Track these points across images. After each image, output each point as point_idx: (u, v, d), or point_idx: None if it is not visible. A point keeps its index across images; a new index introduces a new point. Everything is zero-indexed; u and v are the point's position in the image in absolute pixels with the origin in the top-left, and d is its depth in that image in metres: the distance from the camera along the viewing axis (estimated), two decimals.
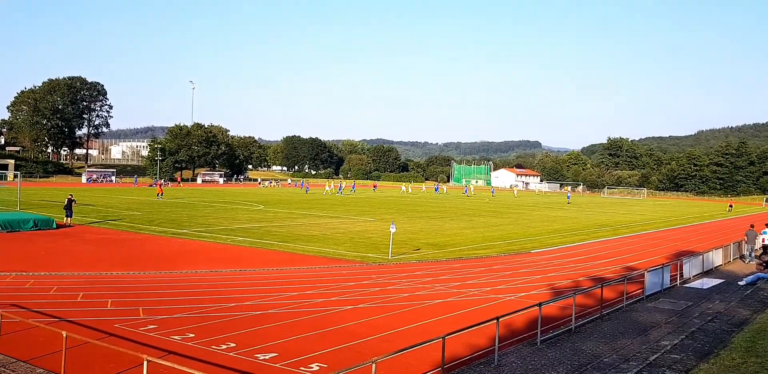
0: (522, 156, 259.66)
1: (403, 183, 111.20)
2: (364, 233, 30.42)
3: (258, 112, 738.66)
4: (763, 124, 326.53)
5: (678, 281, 19.10)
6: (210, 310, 13.63)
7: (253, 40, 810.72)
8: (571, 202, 78.79)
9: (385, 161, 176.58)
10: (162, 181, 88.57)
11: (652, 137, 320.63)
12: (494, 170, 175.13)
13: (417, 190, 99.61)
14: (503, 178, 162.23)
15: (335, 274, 19.02)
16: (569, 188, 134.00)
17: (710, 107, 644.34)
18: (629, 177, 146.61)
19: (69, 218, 30.46)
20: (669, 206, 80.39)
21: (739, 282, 19.50)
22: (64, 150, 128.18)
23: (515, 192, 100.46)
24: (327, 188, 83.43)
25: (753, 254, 25.27)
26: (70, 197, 31.55)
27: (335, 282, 17.48)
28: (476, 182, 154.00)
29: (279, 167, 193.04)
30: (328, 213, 43.08)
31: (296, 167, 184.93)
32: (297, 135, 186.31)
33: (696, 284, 19.20)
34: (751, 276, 19.88)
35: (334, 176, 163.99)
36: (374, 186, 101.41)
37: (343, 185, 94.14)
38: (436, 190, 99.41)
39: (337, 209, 47.50)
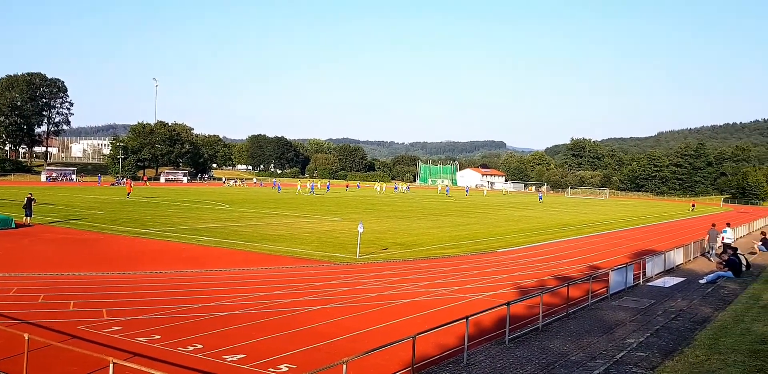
0: (487, 156, 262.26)
1: (377, 183, 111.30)
2: (332, 233, 30.31)
3: (223, 110, 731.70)
4: (720, 126, 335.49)
5: (641, 279, 19.44)
6: (176, 311, 13.40)
7: (218, 38, 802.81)
8: (538, 202, 79.85)
9: (351, 160, 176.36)
10: (126, 179, 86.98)
11: (614, 138, 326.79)
12: (460, 169, 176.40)
13: (390, 190, 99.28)
14: (469, 178, 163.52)
15: (303, 274, 18.90)
16: (542, 188, 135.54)
17: (670, 109, 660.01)
18: (592, 177, 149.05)
19: (28, 218, 29.69)
20: (630, 206, 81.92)
21: (699, 281, 19.94)
22: (23, 148, 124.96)
23: (485, 192, 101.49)
24: (299, 187, 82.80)
25: (714, 253, 25.90)
26: (29, 195, 30.76)
27: (303, 282, 17.36)
28: (442, 181, 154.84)
29: (244, 166, 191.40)
30: (295, 213, 42.82)
31: (261, 166, 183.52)
32: (262, 134, 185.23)
33: (658, 282, 19.57)
34: (712, 275, 20.35)
35: (300, 176, 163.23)
36: (347, 186, 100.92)
37: (318, 185, 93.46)
38: (395, 189, 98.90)
39: (304, 209, 47.24)
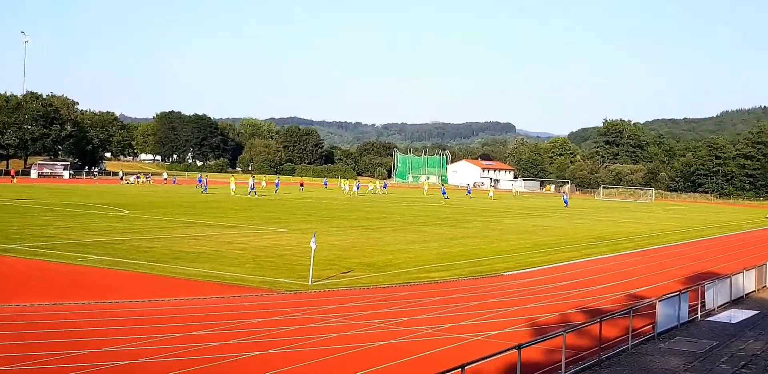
0: (490, 144, 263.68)
1: (343, 180, 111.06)
2: (274, 250, 30.23)
3: (120, 79, 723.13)
4: None
5: (699, 313, 19.70)
6: (52, 360, 13.22)
7: None
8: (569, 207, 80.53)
9: (301, 148, 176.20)
10: None
11: (663, 120, 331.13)
12: (452, 162, 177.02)
13: (363, 189, 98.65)
14: (464, 173, 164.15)
15: (233, 307, 18.80)
16: (565, 187, 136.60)
17: (737, 83, 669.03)
18: (632, 173, 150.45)
19: None
20: (684, 212, 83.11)
21: None
22: None
23: (491, 193, 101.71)
24: (233, 186, 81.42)
25: None
26: None
27: (234, 319, 17.26)
28: (427, 178, 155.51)
29: (150, 156, 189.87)
30: (223, 221, 42.60)
31: (175, 156, 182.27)
32: (176, 111, 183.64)
33: (722, 317, 19.85)
34: None
35: (231, 169, 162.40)
36: (301, 184, 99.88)
37: (264, 183, 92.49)
38: (356, 188, 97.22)
39: (235, 216, 47.01)
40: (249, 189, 76.88)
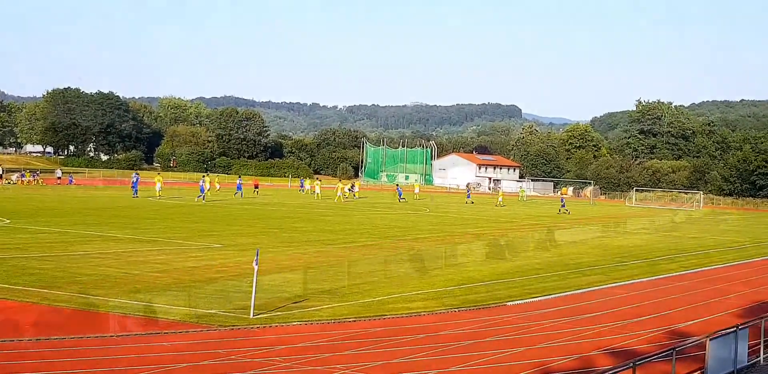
0: (488, 133, 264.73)
1: (309, 180, 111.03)
2: (203, 272, 30.14)
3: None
4: None
5: (761, 355, 19.79)
6: None
7: None
8: (571, 213, 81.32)
9: (239, 137, 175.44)
10: None
11: (713, 102, 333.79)
12: (439, 156, 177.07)
13: (329, 192, 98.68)
14: (455, 170, 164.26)
15: (149, 348, 18.68)
16: (587, 189, 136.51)
17: None
18: (674, 171, 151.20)
19: None
20: (742, 223, 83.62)
21: None
22: None
23: (500, 199, 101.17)
24: (158, 186, 79.60)
25: None
26: None
27: (149, 363, 17.13)
28: (406, 177, 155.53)
29: (39, 148, 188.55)
30: (136, 234, 42.37)
31: (72, 148, 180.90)
32: (73, 88, 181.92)
33: None
34: None
35: (147, 165, 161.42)
36: (256, 186, 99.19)
37: (217, 185, 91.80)
38: (301, 188, 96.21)
39: (152, 227, 46.86)
40: (200, 192, 75.94)
